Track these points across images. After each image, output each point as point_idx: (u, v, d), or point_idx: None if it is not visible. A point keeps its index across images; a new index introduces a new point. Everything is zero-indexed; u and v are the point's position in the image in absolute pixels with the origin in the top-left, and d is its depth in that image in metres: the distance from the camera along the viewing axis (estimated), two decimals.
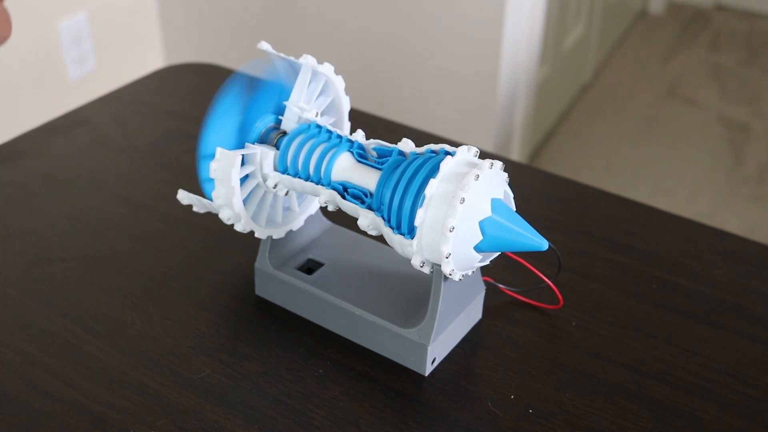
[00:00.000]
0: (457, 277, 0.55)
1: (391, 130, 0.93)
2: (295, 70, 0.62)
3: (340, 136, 0.60)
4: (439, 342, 0.60)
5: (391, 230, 0.56)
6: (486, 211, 0.53)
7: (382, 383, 0.60)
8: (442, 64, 1.76)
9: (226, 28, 1.97)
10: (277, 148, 0.61)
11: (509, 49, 1.73)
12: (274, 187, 0.61)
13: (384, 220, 0.56)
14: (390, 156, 0.58)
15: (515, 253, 0.67)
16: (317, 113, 0.61)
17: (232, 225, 0.62)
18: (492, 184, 0.54)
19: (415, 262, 0.56)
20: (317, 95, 0.63)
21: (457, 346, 0.63)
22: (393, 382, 0.60)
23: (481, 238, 0.53)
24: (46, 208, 0.78)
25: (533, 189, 0.84)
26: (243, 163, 0.60)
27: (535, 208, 0.79)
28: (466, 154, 0.55)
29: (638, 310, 0.67)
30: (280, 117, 0.62)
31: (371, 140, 0.59)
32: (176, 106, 0.99)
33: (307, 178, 0.60)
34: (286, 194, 0.63)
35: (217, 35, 2.00)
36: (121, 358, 0.61)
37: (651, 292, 0.69)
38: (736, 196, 2.17)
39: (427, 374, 0.60)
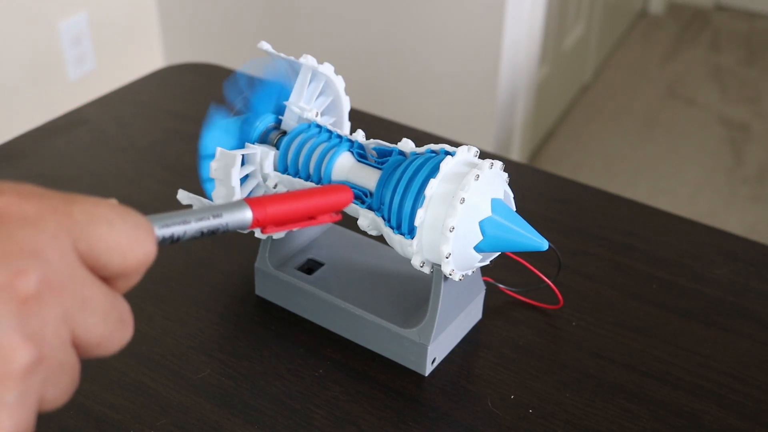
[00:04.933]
0: (457, 277, 0.55)
1: (391, 130, 0.93)
2: (295, 70, 0.62)
3: (340, 136, 0.60)
4: (439, 342, 0.60)
5: (391, 230, 0.55)
6: (486, 211, 0.53)
7: (382, 383, 0.60)
8: (442, 63, 1.76)
9: (226, 28, 1.97)
10: (277, 148, 0.61)
11: (509, 49, 1.73)
12: (275, 187, 0.61)
13: (384, 220, 0.56)
14: (390, 156, 0.58)
15: (515, 253, 0.67)
16: (317, 113, 0.61)
17: None
18: (492, 184, 0.54)
19: (415, 262, 0.56)
20: (317, 95, 0.63)
21: (457, 346, 0.63)
22: (393, 382, 0.60)
23: (481, 238, 0.53)
24: None
25: (533, 189, 0.84)
26: (243, 163, 0.60)
27: (535, 208, 0.79)
28: (466, 154, 0.55)
29: (638, 310, 0.67)
30: (280, 117, 0.62)
31: (371, 140, 0.59)
32: (176, 106, 0.99)
33: (307, 178, 0.60)
34: None
35: (218, 35, 2.00)
36: (121, 358, 0.61)
37: (651, 292, 0.69)
38: (736, 196, 2.17)
39: (427, 374, 0.60)
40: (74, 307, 0.28)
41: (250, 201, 0.40)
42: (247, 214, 0.39)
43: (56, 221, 0.28)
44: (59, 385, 0.28)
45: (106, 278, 0.30)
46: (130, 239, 0.30)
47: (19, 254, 0.27)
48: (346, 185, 0.52)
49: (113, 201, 0.30)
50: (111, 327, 0.30)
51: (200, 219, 0.36)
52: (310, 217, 0.46)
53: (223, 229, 0.38)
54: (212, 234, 0.37)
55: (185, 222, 0.35)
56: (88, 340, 0.29)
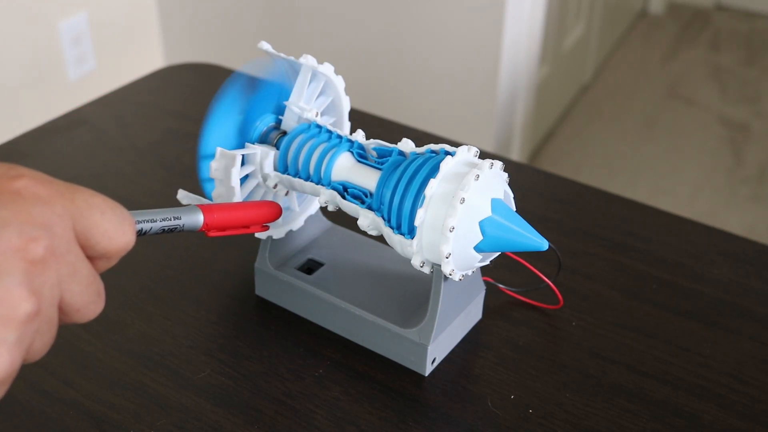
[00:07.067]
0: (457, 277, 0.55)
1: (391, 130, 0.93)
2: (295, 70, 0.62)
3: (340, 136, 0.60)
4: (439, 342, 0.60)
5: (391, 230, 0.56)
6: (486, 211, 0.53)
7: (382, 383, 0.60)
8: (442, 63, 1.76)
9: (226, 28, 1.97)
10: (277, 148, 0.61)
11: (509, 49, 1.73)
12: (274, 187, 0.61)
13: (384, 220, 0.56)
14: (390, 156, 0.58)
15: (515, 253, 0.67)
16: (317, 113, 0.61)
17: None
18: (492, 184, 0.54)
19: (415, 262, 0.56)
20: (317, 95, 0.63)
21: (457, 346, 0.63)
22: (393, 382, 0.60)
23: (481, 238, 0.53)
24: None
25: (533, 189, 0.84)
26: (243, 163, 0.60)
27: (535, 208, 0.79)
28: (466, 154, 0.55)
29: (638, 310, 0.67)
30: (280, 117, 0.62)
31: (371, 140, 0.59)
32: (176, 106, 0.99)
33: (307, 178, 0.60)
34: (286, 194, 0.63)
35: (218, 35, 2.00)
36: (121, 358, 0.61)
37: (651, 292, 0.69)
38: (736, 196, 2.17)
39: (427, 374, 0.60)
40: (67, 274, 0.34)
41: (202, 207, 0.48)
42: (199, 218, 0.48)
43: (62, 204, 0.34)
44: (43, 339, 0.34)
45: (91, 257, 0.36)
46: (117, 228, 0.36)
47: (33, 224, 0.32)
48: (276, 203, 0.58)
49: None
50: (90, 297, 0.35)
51: (164, 219, 0.45)
52: (245, 227, 0.55)
53: (180, 229, 0.46)
54: (171, 232, 0.46)
55: (152, 221, 0.44)
56: (71, 304, 0.35)
